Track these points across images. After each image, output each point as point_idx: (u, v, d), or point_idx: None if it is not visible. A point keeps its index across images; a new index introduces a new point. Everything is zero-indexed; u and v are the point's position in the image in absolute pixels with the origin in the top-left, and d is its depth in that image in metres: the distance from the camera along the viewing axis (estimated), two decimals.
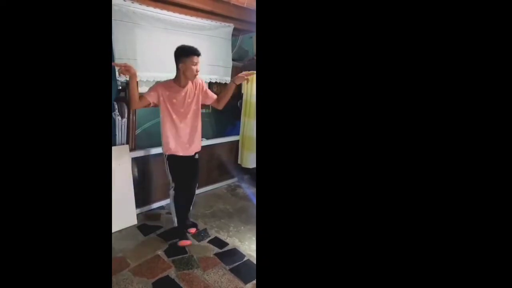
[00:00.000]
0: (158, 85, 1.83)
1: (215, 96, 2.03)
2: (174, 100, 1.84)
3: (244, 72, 1.88)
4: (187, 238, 2.03)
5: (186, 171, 1.99)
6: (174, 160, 1.92)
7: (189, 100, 1.89)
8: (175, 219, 2.03)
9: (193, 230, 2.16)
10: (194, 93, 1.92)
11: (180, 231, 2.05)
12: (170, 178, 1.98)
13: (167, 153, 1.91)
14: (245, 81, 1.90)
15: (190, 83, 1.90)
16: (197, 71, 1.82)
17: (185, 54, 1.78)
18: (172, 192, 1.99)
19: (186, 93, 1.88)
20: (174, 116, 1.85)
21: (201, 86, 1.96)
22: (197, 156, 2.04)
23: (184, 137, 1.90)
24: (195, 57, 1.79)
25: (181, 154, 1.91)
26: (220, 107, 2.05)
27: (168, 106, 1.83)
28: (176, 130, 1.87)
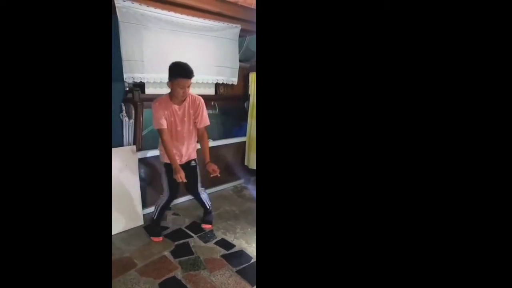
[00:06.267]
0: (158, 108, 1.75)
1: (207, 124, 1.95)
2: (172, 119, 1.81)
3: (213, 167, 1.90)
4: (159, 235, 2.06)
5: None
6: (170, 169, 1.91)
7: (185, 119, 1.85)
8: (155, 215, 2.06)
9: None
10: (190, 112, 1.86)
11: (154, 228, 2.10)
12: (164, 186, 1.99)
13: (164, 161, 1.92)
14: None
15: (188, 101, 1.84)
16: (184, 93, 1.71)
17: (173, 74, 1.68)
18: (162, 198, 2.02)
19: (183, 111, 1.83)
20: (171, 134, 1.84)
21: (200, 107, 1.87)
22: (193, 163, 2.03)
23: (179, 152, 1.91)
24: (185, 80, 1.66)
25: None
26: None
27: (167, 125, 1.79)
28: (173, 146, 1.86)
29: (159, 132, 1.79)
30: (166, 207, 2.06)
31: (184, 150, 1.94)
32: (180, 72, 1.67)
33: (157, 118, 1.76)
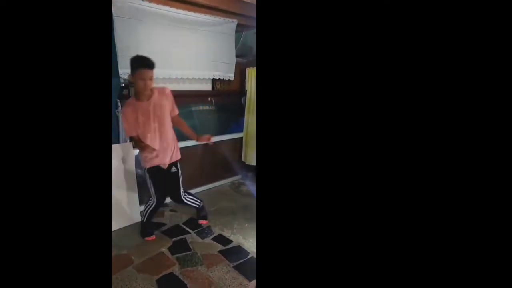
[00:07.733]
0: (123, 115, 1.71)
1: (177, 112, 1.90)
2: (141, 117, 1.70)
3: (206, 136, 1.98)
4: (151, 235, 2.03)
5: (167, 184, 1.96)
6: (154, 174, 1.87)
7: (159, 113, 1.75)
8: (144, 218, 2.03)
9: (204, 221, 2.23)
10: (162, 104, 1.76)
11: (144, 229, 2.05)
12: (151, 192, 1.95)
13: (147, 166, 1.85)
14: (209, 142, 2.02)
15: (155, 94, 1.74)
16: (145, 86, 1.62)
17: (135, 66, 1.60)
18: (151, 203, 1.98)
19: (153, 105, 1.72)
20: (148, 135, 1.74)
21: (168, 96, 1.81)
22: (174, 169, 1.93)
23: (160, 151, 1.81)
24: (146, 70, 1.59)
25: (161, 165, 1.85)
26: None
27: (139, 126, 1.72)
28: (153, 146, 1.78)
29: (132, 140, 1.73)
30: (154, 212, 2.04)
31: (165, 146, 1.82)
32: (141, 62, 1.61)
33: (126, 128, 1.73)
